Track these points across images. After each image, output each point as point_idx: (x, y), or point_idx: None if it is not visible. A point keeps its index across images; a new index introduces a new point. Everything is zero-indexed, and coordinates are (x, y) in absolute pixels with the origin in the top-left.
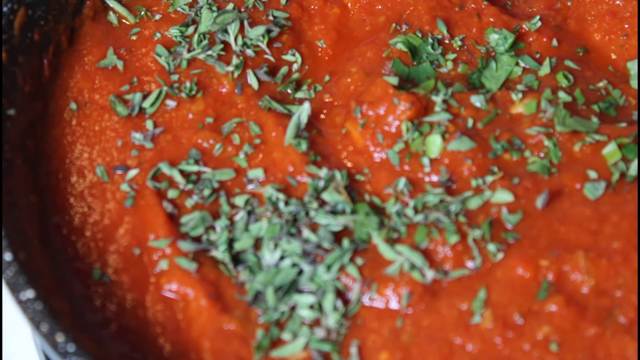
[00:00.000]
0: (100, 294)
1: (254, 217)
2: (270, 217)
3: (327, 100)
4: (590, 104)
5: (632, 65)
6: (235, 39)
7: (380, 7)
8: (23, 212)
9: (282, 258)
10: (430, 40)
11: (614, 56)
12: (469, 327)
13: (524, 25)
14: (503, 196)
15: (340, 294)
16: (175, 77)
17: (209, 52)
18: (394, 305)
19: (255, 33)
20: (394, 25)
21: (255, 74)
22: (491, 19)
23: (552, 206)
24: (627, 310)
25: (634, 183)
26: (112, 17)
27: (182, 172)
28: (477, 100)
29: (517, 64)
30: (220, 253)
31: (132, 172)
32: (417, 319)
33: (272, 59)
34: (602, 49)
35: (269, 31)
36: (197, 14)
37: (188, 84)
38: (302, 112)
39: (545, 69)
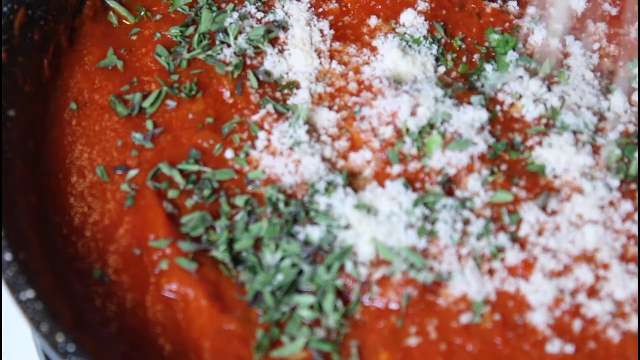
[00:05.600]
0: (100, 294)
1: (254, 217)
2: (270, 217)
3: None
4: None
5: (632, 65)
6: (235, 39)
7: (380, 7)
8: (23, 212)
9: (282, 258)
10: (430, 40)
11: None
12: (469, 327)
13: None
14: (503, 196)
15: (340, 294)
16: (175, 77)
17: (209, 52)
18: (394, 305)
19: (255, 33)
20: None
21: (255, 74)
22: (491, 19)
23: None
24: None
25: (634, 183)
26: (112, 17)
27: (182, 172)
28: (477, 100)
29: (517, 64)
30: (220, 253)
31: (132, 172)
32: (417, 319)
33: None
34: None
35: (268, 31)
36: (197, 14)
37: (188, 84)
38: (302, 112)
39: (545, 69)
